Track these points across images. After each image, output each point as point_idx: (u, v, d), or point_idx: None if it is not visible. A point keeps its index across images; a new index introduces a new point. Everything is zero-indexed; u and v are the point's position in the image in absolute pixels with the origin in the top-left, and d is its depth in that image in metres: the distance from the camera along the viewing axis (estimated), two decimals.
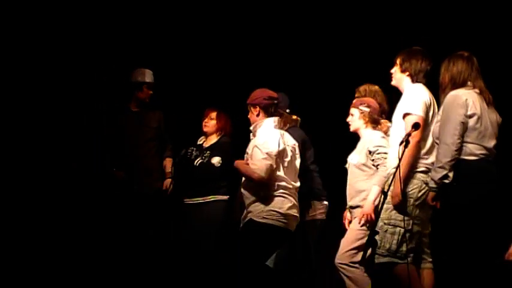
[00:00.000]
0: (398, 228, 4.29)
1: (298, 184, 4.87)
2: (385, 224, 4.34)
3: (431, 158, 4.34)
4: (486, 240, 4.20)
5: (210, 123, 5.83)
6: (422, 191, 4.31)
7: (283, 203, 4.72)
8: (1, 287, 5.64)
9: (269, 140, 4.74)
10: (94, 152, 6.17)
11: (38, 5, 6.12)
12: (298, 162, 4.92)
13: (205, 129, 5.85)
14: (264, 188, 4.71)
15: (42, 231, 5.94)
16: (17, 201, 5.93)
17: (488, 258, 4.20)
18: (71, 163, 6.11)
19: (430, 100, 4.43)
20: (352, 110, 5.06)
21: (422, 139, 4.34)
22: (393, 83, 4.60)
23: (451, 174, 4.20)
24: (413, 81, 4.49)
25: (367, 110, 4.99)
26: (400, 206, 4.30)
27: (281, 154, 4.75)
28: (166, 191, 5.91)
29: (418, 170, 4.33)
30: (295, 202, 4.81)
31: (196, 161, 5.72)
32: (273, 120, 4.88)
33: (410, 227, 4.29)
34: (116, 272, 5.68)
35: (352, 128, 5.09)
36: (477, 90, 4.35)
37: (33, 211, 5.95)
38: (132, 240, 5.68)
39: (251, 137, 4.92)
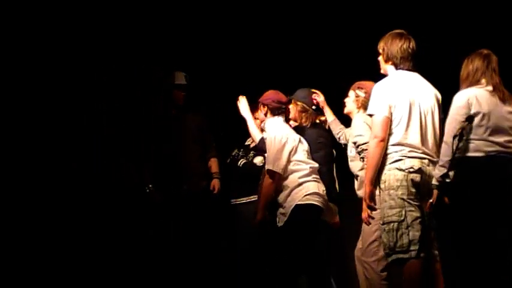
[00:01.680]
0: (392, 224, 4.23)
1: (318, 166, 5.15)
2: (381, 224, 4.32)
3: (409, 147, 4.26)
4: (490, 234, 4.23)
5: (256, 123, 5.77)
6: (400, 178, 4.22)
7: (319, 186, 5.06)
8: (1, 287, 5.57)
9: (279, 133, 5.10)
10: (94, 152, 6.13)
11: (37, 4, 6.05)
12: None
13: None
14: (301, 175, 5.02)
15: (42, 230, 5.85)
16: (17, 200, 5.83)
17: (492, 254, 4.23)
18: (71, 163, 6.00)
19: (400, 92, 4.31)
20: (350, 92, 5.15)
21: (393, 132, 4.28)
22: (382, 71, 4.54)
23: (451, 173, 4.25)
24: (397, 68, 4.42)
25: (363, 95, 5.02)
26: (388, 201, 4.25)
27: (294, 143, 5.08)
28: (213, 190, 5.90)
29: (391, 161, 4.27)
30: (323, 186, 5.10)
31: (240, 162, 5.79)
32: (281, 118, 5.26)
33: (403, 218, 4.20)
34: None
35: (345, 110, 5.21)
36: (489, 88, 4.39)
37: (33, 210, 5.86)
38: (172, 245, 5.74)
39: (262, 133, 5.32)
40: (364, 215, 4.44)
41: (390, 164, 4.26)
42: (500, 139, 4.32)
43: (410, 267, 4.19)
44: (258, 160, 5.68)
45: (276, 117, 5.26)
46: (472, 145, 4.31)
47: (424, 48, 4.54)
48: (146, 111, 6.26)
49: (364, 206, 4.46)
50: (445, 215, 4.37)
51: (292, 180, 5.03)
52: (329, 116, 5.40)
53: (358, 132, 4.91)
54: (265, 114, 5.29)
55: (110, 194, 6.01)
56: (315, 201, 4.98)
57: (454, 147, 4.21)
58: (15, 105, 5.95)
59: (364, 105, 4.98)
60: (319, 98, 5.41)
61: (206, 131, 6.04)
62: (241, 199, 5.73)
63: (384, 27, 4.63)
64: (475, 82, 4.40)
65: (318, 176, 5.09)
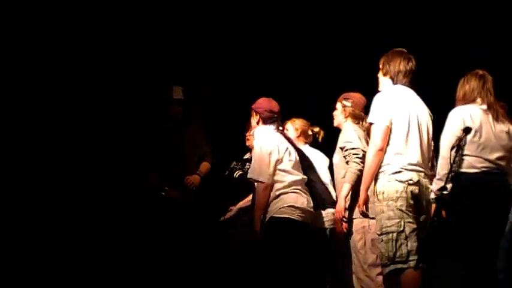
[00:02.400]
0: (391, 234, 4.30)
1: (305, 177, 5.13)
2: (378, 235, 4.39)
3: (407, 159, 4.35)
4: (480, 247, 4.30)
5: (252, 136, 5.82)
6: (400, 190, 4.31)
7: (298, 198, 4.98)
8: (1, 286, 5.63)
9: (266, 142, 5.06)
10: (94, 152, 6.19)
11: (37, 4, 6.09)
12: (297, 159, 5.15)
13: (247, 143, 5.89)
14: (279, 187, 4.98)
15: (42, 229, 5.91)
16: (16, 200, 5.89)
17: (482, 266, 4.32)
18: (71, 163, 6.06)
19: (400, 104, 4.42)
20: (337, 104, 5.20)
21: (392, 143, 4.37)
22: (380, 87, 4.64)
23: (448, 186, 4.32)
24: (394, 83, 4.55)
25: (349, 105, 5.08)
26: (386, 212, 4.32)
27: (281, 153, 5.02)
28: (189, 185, 5.84)
29: (391, 172, 4.35)
30: (308, 197, 5.06)
31: (236, 173, 5.84)
32: (272, 127, 5.19)
33: (402, 228, 4.29)
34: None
35: (335, 123, 5.24)
36: (484, 106, 4.49)
37: (32, 210, 5.92)
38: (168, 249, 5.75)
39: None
40: (341, 227, 4.69)
41: (390, 175, 4.34)
42: (492, 156, 4.40)
43: (409, 278, 4.26)
44: None
45: (268, 125, 5.19)
46: (465, 161, 4.38)
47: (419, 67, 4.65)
48: (146, 111, 6.32)
49: (339, 206, 4.71)
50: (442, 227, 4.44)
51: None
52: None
53: (347, 139, 4.93)
54: (257, 123, 5.21)
55: (109, 193, 6.06)
56: (290, 214, 4.93)
57: (452, 160, 4.27)
58: (15, 105, 6.01)
59: (352, 115, 5.06)
60: None
61: (204, 142, 6.03)
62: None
63: (381, 45, 4.79)
64: (471, 101, 4.51)
65: (300, 188, 5.04)
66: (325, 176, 5.47)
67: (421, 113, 4.47)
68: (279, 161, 5.02)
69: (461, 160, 4.40)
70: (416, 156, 4.37)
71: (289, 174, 5.02)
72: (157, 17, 6.58)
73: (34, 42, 6.09)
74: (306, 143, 5.63)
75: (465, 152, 4.40)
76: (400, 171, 4.33)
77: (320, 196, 5.24)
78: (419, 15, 6.48)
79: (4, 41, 5.95)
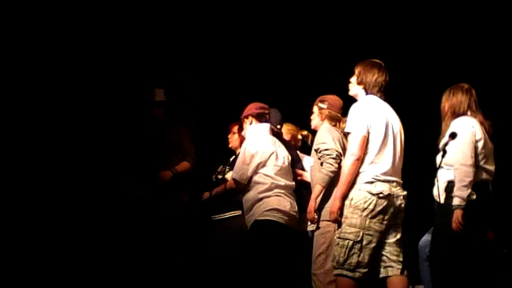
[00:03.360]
0: (347, 241, 4.36)
1: (293, 183, 5.20)
2: (336, 237, 4.45)
3: (381, 168, 4.41)
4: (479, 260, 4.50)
5: (233, 137, 5.84)
6: (369, 201, 4.37)
7: (281, 202, 5.06)
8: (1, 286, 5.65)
9: (252, 143, 5.15)
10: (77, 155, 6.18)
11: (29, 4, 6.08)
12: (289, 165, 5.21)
13: (230, 145, 5.88)
14: (261, 190, 5.06)
15: (35, 232, 5.93)
16: (12, 203, 5.91)
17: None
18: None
19: (377, 114, 4.48)
20: (314, 108, 5.22)
21: (368, 152, 4.42)
22: (350, 93, 4.70)
23: (474, 193, 4.46)
24: (367, 93, 4.60)
25: (325, 107, 5.09)
26: (350, 218, 4.38)
27: (264, 156, 5.09)
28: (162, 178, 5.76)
29: (364, 181, 4.41)
30: (292, 201, 5.13)
31: (220, 177, 5.72)
32: (266, 126, 5.25)
33: (359, 239, 4.35)
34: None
35: (312, 126, 5.27)
36: (477, 120, 4.65)
37: (25, 213, 5.93)
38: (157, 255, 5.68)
39: None
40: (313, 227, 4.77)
41: (362, 184, 4.40)
42: (490, 167, 4.62)
43: (347, 285, 4.37)
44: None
45: (262, 124, 5.24)
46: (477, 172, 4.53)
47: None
48: (126, 114, 6.15)
49: (310, 208, 4.76)
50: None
51: (252, 194, 5.09)
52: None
53: (322, 140, 4.91)
54: (251, 123, 5.27)
55: (92, 195, 5.99)
56: (273, 217, 4.98)
57: (474, 169, 4.44)
58: (40, 109, 6.07)
59: (328, 117, 5.09)
60: None
61: (187, 142, 5.92)
62: (220, 215, 5.63)
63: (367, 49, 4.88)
64: (462, 114, 4.66)
65: (284, 192, 5.09)
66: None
67: (395, 124, 4.56)
68: (260, 165, 5.08)
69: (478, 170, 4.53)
70: (389, 166, 4.44)
71: (271, 179, 5.07)
72: (143, 18, 6.57)
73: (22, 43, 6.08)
74: (295, 147, 5.65)
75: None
76: (372, 182, 4.39)
77: (307, 200, 5.17)
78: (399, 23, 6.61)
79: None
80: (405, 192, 4.51)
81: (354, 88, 4.65)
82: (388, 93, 4.61)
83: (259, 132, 5.24)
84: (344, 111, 4.96)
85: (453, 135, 4.45)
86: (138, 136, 5.87)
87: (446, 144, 4.47)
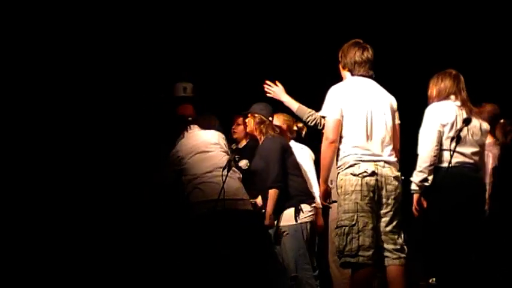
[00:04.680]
0: (343, 228, 4.33)
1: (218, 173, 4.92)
2: (334, 228, 4.45)
3: (364, 150, 4.37)
4: (465, 246, 4.47)
5: (238, 128, 5.92)
6: (354, 183, 4.33)
7: (198, 194, 4.90)
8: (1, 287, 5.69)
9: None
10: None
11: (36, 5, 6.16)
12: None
13: (234, 136, 5.95)
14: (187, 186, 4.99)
15: (41, 232, 5.99)
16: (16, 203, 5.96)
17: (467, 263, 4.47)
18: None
19: (353, 95, 4.43)
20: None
21: (348, 135, 4.40)
22: (343, 78, 4.66)
23: (430, 178, 4.53)
24: (352, 74, 4.55)
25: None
26: (342, 205, 4.36)
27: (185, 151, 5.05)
28: None
29: (346, 166, 4.38)
30: (209, 190, 4.90)
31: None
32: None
33: (354, 222, 4.29)
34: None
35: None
36: (458, 103, 4.67)
37: (32, 214, 6.00)
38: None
39: None
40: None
41: (346, 169, 4.38)
42: (466, 150, 4.60)
43: (358, 272, 4.30)
44: (243, 163, 5.24)
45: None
46: (442, 156, 4.57)
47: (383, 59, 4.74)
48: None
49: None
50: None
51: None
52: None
53: None
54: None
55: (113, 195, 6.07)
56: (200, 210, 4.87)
57: (434, 154, 4.48)
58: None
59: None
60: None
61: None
62: None
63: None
64: (444, 98, 4.70)
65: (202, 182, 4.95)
66: (311, 171, 5.60)
67: (378, 101, 4.49)
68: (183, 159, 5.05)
69: (440, 154, 4.56)
70: (372, 146, 4.39)
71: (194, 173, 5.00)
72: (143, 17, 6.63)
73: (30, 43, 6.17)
74: (290, 138, 5.73)
75: (442, 147, 4.58)
76: (355, 164, 4.35)
77: (296, 190, 5.31)
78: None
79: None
80: (397, 173, 4.44)
81: (342, 73, 4.64)
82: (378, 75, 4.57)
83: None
84: None
85: (467, 121, 4.48)
86: (168, 132, 5.72)
87: (460, 130, 4.48)
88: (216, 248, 4.76)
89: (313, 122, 4.76)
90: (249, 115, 5.51)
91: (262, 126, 5.46)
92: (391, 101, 4.58)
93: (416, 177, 4.55)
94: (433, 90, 4.78)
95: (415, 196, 4.60)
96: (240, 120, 5.87)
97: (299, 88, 5.56)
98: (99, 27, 6.36)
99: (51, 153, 6.13)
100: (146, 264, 5.70)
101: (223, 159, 4.97)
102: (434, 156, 4.55)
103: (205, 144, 5.09)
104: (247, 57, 6.92)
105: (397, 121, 4.61)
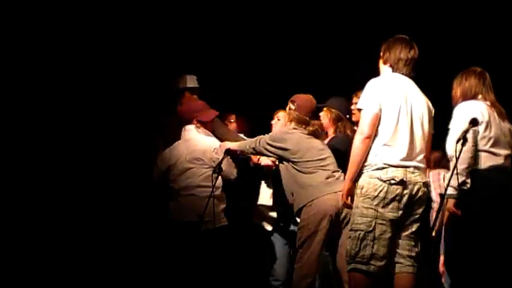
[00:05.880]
0: (358, 232, 4.09)
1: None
2: (348, 230, 4.19)
3: (394, 152, 4.09)
4: (495, 250, 4.24)
5: (231, 126, 5.78)
6: (379, 189, 4.07)
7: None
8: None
9: None
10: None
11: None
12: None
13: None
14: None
15: (44, 232, 5.96)
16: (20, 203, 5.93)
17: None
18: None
19: (393, 91, 4.16)
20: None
21: (380, 133, 4.11)
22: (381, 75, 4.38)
23: (469, 181, 4.27)
24: (393, 71, 4.28)
25: (293, 108, 4.92)
26: (361, 208, 4.11)
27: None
28: None
29: (374, 168, 4.11)
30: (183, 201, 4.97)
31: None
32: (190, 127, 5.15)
33: (371, 229, 4.06)
34: None
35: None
36: (488, 103, 4.44)
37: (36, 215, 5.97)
38: None
39: None
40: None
41: (372, 170, 4.10)
42: (501, 151, 4.37)
43: (362, 279, 4.09)
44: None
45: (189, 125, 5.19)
46: (478, 157, 4.34)
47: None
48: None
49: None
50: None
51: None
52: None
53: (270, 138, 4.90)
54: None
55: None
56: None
57: (458, 153, 4.05)
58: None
59: (295, 119, 4.93)
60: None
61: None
62: None
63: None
64: (471, 98, 4.45)
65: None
66: None
67: (417, 103, 4.20)
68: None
69: (477, 156, 4.32)
70: (404, 149, 4.10)
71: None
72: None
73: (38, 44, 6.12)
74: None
75: (479, 148, 4.33)
76: (383, 168, 4.08)
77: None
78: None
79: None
80: (426, 180, 4.18)
81: (381, 68, 4.34)
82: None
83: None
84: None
85: (474, 122, 4.18)
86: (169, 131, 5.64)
87: (466, 131, 4.12)
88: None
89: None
90: (325, 109, 5.21)
91: (339, 123, 5.21)
92: (430, 106, 4.31)
93: (454, 180, 4.22)
94: (457, 91, 4.52)
95: (452, 201, 4.31)
96: (233, 117, 5.76)
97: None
98: (99, 28, 6.31)
99: (51, 155, 6.08)
100: (146, 264, 5.63)
101: (200, 178, 4.98)
102: (471, 157, 4.28)
103: (189, 158, 5.03)
104: (245, 57, 6.78)
105: (432, 130, 4.31)
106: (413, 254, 4.17)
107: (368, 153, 4.12)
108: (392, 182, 4.05)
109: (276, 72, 6.69)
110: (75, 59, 6.23)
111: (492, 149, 4.35)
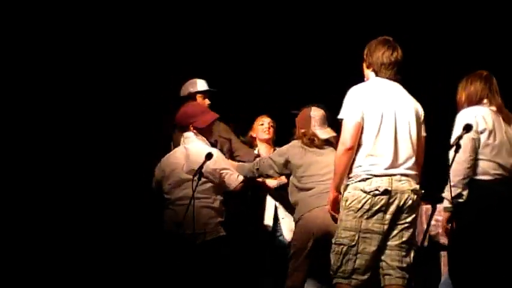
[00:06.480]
0: (341, 246, 3.91)
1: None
2: (332, 244, 4.00)
3: (379, 161, 3.89)
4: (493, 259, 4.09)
5: (262, 131, 5.66)
6: (363, 201, 3.87)
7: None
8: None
9: None
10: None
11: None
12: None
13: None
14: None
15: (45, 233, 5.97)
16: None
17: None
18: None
19: (375, 98, 3.96)
20: None
21: (363, 143, 3.91)
22: (365, 79, 4.17)
23: (465, 193, 4.10)
24: (377, 75, 4.06)
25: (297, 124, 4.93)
26: (344, 221, 3.93)
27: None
28: None
29: (358, 179, 3.91)
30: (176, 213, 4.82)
31: None
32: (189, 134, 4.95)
33: (354, 243, 3.89)
34: None
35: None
36: (493, 108, 4.27)
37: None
38: None
39: None
40: None
41: (357, 182, 3.91)
42: (506, 161, 4.19)
43: None
44: None
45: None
46: (479, 167, 4.15)
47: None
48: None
49: None
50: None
51: None
52: None
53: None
54: None
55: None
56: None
57: (450, 160, 3.85)
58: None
59: (299, 137, 4.94)
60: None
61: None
62: None
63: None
64: (476, 103, 4.27)
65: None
66: None
67: (402, 107, 3.98)
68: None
69: (476, 165, 4.14)
70: (388, 157, 3.89)
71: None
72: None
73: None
74: None
75: (479, 156, 4.15)
76: (367, 179, 3.88)
77: None
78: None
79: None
80: (415, 186, 3.93)
81: (365, 73, 4.13)
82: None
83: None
84: None
85: (468, 128, 3.96)
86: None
87: (460, 137, 3.91)
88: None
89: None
90: None
91: None
92: (418, 109, 4.09)
93: (446, 192, 4.08)
94: (462, 95, 4.34)
95: (446, 215, 4.18)
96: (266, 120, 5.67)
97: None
98: (99, 28, 6.28)
99: (51, 156, 6.08)
100: (146, 264, 5.60)
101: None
102: (468, 167, 4.10)
103: (187, 169, 4.81)
104: (245, 57, 6.70)
105: (423, 133, 4.11)
106: (404, 265, 3.94)
107: (352, 164, 3.95)
108: (376, 192, 3.86)
109: (276, 72, 6.61)
110: (76, 62, 6.21)
111: (497, 159, 4.17)
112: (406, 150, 3.95)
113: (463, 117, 4.18)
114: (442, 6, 6.25)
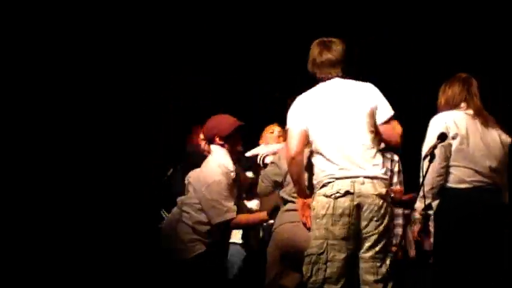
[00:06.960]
0: (311, 256, 3.76)
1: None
2: (305, 256, 3.85)
3: (336, 165, 3.72)
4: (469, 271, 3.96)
5: (271, 139, 5.45)
6: (326, 205, 3.71)
7: None
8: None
9: None
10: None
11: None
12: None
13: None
14: None
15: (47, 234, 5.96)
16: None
17: None
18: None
19: (321, 102, 3.82)
20: None
21: (318, 150, 3.78)
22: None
23: (434, 204, 3.98)
24: (317, 77, 3.89)
25: None
26: (313, 230, 3.79)
27: None
28: None
29: (321, 185, 3.77)
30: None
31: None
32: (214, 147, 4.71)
33: (322, 251, 3.72)
34: None
35: None
36: (470, 112, 4.11)
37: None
38: None
39: None
40: None
41: (320, 188, 3.78)
42: (483, 168, 4.02)
43: None
44: None
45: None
46: (452, 174, 4.01)
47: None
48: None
49: None
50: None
51: None
52: None
53: None
54: None
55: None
56: None
57: (424, 171, 3.76)
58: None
59: None
60: None
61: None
62: None
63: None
64: (454, 106, 4.14)
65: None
66: None
67: (350, 105, 3.80)
68: None
69: (448, 173, 3.99)
70: (346, 159, 3.73)
71: None
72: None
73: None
74: None
75: (452, 163, 4.00)
76: (328, 183, 3.74)
77: None
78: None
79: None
80: (382, 190, 3.72)
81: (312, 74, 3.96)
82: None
83: None
84: None
85: (442, 137, 3.86)
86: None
87: (434, 147, 3.82)
88: None
89: None
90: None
91: None
92: (364, 97, 3.85)
93: (419, 203, 3.95)
94: (441, 100, 4.20)
95: (416, 227, 4.06)
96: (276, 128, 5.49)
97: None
98: (99, 28, 6.25)
99: (51, 156, 6.05)
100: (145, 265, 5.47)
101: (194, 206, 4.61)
102: (438, 176, 3.96)
103: (193, 182, 4.63)
104: (245, 57, 6.65)
105: (387, 115, 3.83)
106: (379, 277, 3.74)
107: (314, 172, 3.83)
108: (338, 195, 3.69)
109: (276, 72, 6.53)
110: (76, 62, 6.18)
111: (471, 165, 4.00)
112: (362, 148, 3.76)
113: (434, 123, 4.06)
114: (441, 6, 6.15)
